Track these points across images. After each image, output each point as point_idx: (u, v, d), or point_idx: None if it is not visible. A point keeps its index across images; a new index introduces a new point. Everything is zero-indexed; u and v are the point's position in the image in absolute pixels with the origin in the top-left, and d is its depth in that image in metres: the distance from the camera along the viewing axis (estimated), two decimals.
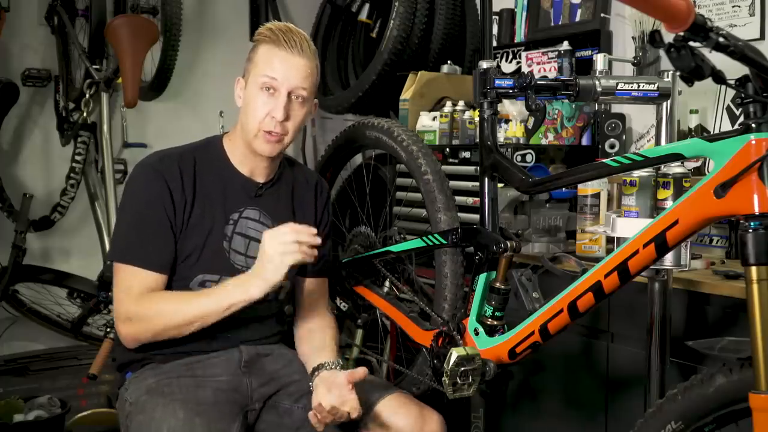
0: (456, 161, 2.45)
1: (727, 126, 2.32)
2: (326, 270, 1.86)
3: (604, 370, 2.02)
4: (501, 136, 2.39)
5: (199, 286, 1.64)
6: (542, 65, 2.72)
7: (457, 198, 2.09)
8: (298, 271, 1.79)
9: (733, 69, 1.18)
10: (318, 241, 1.51)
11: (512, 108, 2.47)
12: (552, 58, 2.69)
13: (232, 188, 1.70)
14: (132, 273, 1.59)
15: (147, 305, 1.57)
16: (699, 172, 2.19)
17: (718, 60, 1.17)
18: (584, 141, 2.60)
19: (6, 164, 3.15)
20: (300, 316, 1.82)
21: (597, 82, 1.57)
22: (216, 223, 1.67)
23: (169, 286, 1.63)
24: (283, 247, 1.48)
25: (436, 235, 1.80)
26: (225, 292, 1.54)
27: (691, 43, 1.14)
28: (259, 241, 1.69)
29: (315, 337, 1.75)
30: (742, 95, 1.18)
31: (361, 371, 1.55)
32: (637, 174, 1.72)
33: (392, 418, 1.62)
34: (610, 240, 1.97)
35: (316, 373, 1.63)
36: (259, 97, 1.62)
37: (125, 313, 1.58)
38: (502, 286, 1.63)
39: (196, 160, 1.68)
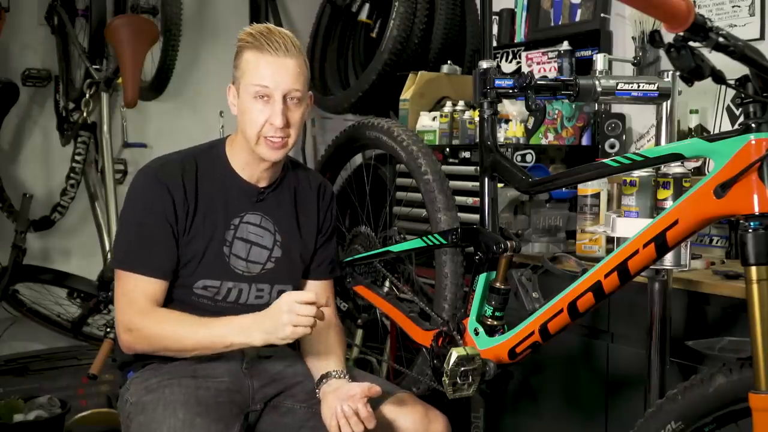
0: (456, 161, 2.45)
1: (727, 126, 2.32)
2: (331, 272, 1.86)
3: (604, 370, 2.02)
4: (501, 136, 2.39)
5: (201, 290, 1.65)
6: (542, 65, 2.72)
7: (457, 198, 2.09)
8: (302, 274, 1.79)
9: (733, 69, 1.18)
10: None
11: (512, 108, 2.47)
12: (552, 58, 2.69)
13: (233, 193, 1.69)
14: (134, 280, 1.59)
15: (149, 323, 1.57)
16: (699, 172, 2.19)
17: (718, 60, 1.17)
18: (584, 141, 2.60)
19: (6, 164, 3.15)
20: None
21: (597, 82, 1.57)
22: (217, 228, 1.66)
23: (170, 292, 1.63)
24: (299, 320, 1.45)
25: (436, 235, 1.80)
26: (227, 331, 1.53)
27: (691, 43, 1.14)
28: (260, 245, 1.70)
29: (320, 342, 1.72)
30: (742, 95, 1.18)
31: (376, 389, 1.53)
32: (637, 174, 1.72)
33: (397, 418, 1.61)
34: (610, 240, 1.97)
35: (324, 380, 1.62)
36: (254, 106, 1.60)
37: (127, 323, 1.59)
38: (502, 286, 1.63)
39: (198, 166, 1.67)
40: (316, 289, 1.81)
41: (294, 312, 1.45)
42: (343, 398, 1.51)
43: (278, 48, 1.58)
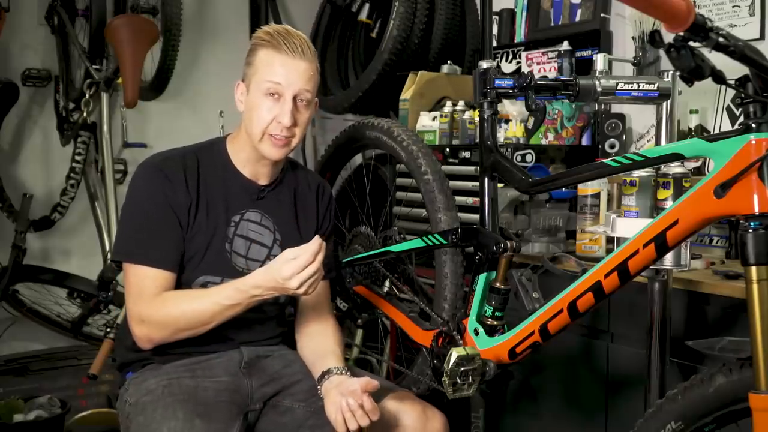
0: (456, 161, 2.45)
1: (727, 126, 2.32)
2: (328, 273, 1.85)
3: (604, 370, 2.02)
4: (501, 136, 2.39)
5: (201, 287, 1.64)
6: (542, 65, 2.72)
7: (457, 198, 2.09)
8: None
9: (733, 69, 1.18)
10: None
11: (512, 108, 2.47)
12: (552, 58, 2.69)
13: (234, 190, 1.69)
14: (143, 273, 1.59)
15: (161, 307, 1.57)
16: (699, 172, 2.19)
17: (718, 60, 1.17)
18: (584, 141, 2.60)
19: (6, 164, 3.15)
20: (301, 318, 1.80)
21: (597, 82, 1.57)
22: (218, 225, 1.66)
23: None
24: (309, 279, 1.49)
25: (436, 235, 1.80)
26: (239, 298, 1.54)
27: (691, 43, 1.14)
28: (259, 243, 1.70)
29: (318, 341, 1.73)
30: (742, 95, 1.18)
31: (375, 384, 1.53)
32: (637, 174, 1.72)
33: (396, 415, 1.61)
34: (610, 240, 1.97)
35: (326, 377, 1.61)
36: (264, 103, 1.61)
37: (138, 315, 1.58)
38: (502, 286, 1.63)
39: (200, 162, 1.68)
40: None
41: (300, 274, 1.48)
42: (345, 393, 1.51)
43: (295, 49, 1.60)
